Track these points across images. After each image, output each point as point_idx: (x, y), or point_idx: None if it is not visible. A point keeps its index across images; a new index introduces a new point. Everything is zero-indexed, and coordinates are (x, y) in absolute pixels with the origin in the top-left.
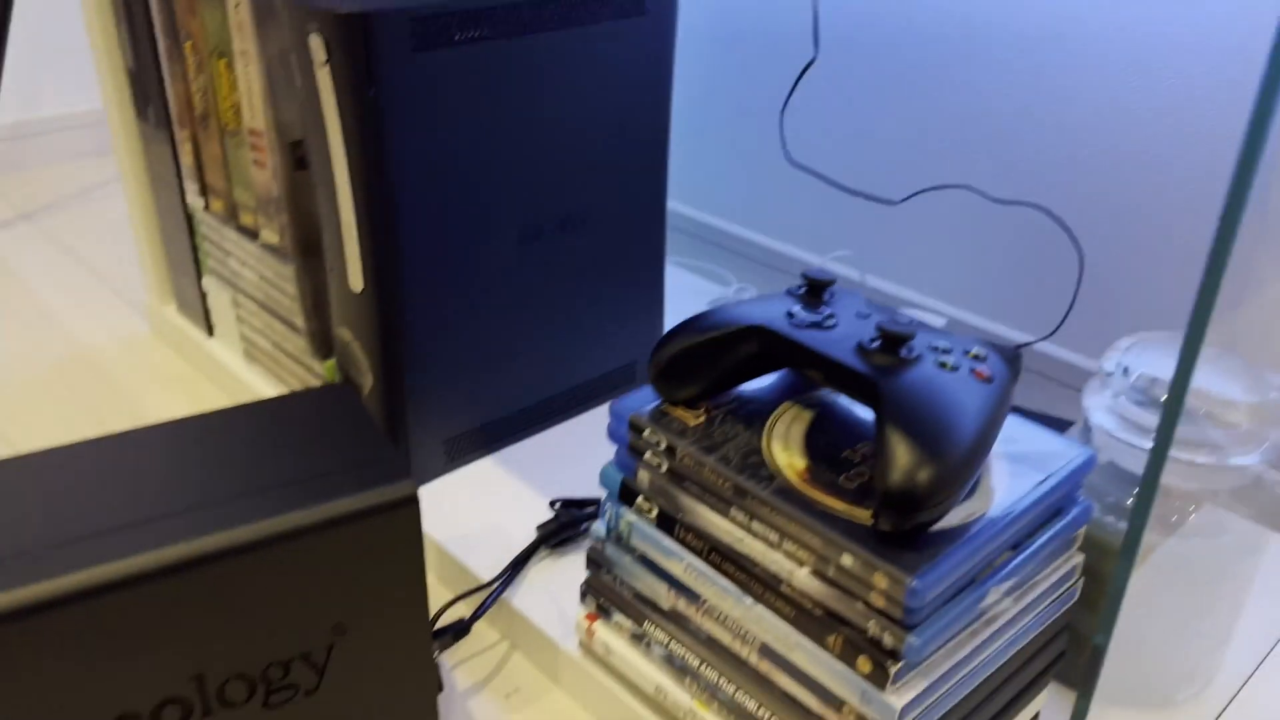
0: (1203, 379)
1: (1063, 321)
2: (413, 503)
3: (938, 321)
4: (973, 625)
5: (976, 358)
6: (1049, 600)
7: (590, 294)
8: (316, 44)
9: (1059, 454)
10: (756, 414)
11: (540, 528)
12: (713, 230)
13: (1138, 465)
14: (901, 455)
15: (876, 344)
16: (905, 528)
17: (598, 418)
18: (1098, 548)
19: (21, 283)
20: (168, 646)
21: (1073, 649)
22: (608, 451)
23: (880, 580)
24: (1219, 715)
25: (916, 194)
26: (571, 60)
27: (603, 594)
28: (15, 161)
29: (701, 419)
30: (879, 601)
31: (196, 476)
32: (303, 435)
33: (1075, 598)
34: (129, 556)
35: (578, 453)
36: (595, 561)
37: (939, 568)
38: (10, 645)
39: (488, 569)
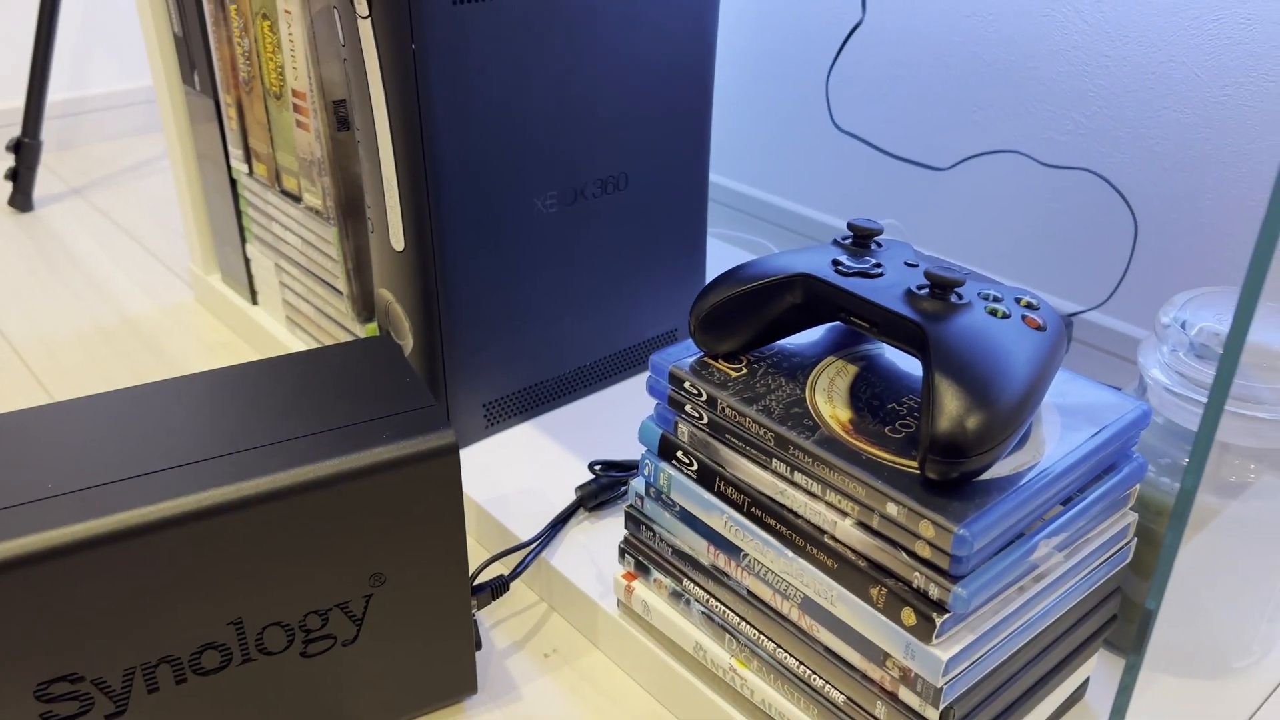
0: (1262, 333)
1: (1116, 289)
2: (452, 452)
3: None
4: (1021, 580)
5: (1029, 306)
6: (1100, 559)
7: (631, 259)
8: None
9: (1113, 408)
10: (799, 367)
11: (579, 489)
12: (755, 202)
13: (1196, 423)
14: (949, 401)
15: (925, 290)
16: (952, 476)
17: (637, 385)
18: (1152, 509)
19: (72, 254)
20: (208, 590)
21: (1125, 615)
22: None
23: (926, 529)
24: (1278, 685)
25: (965, 160)
26: (612, 16)
27: (641, 552)
28: (67, 138)
29: (743, 371)
30: (924, 551)
31: (238, 422)
32: (344, 385)
33: (1128, 559)
34: (170, 499)
35: (617, 419)
36: (634, 519)
37: (987, 517)
38: (54, 584)
39: (526, 530)
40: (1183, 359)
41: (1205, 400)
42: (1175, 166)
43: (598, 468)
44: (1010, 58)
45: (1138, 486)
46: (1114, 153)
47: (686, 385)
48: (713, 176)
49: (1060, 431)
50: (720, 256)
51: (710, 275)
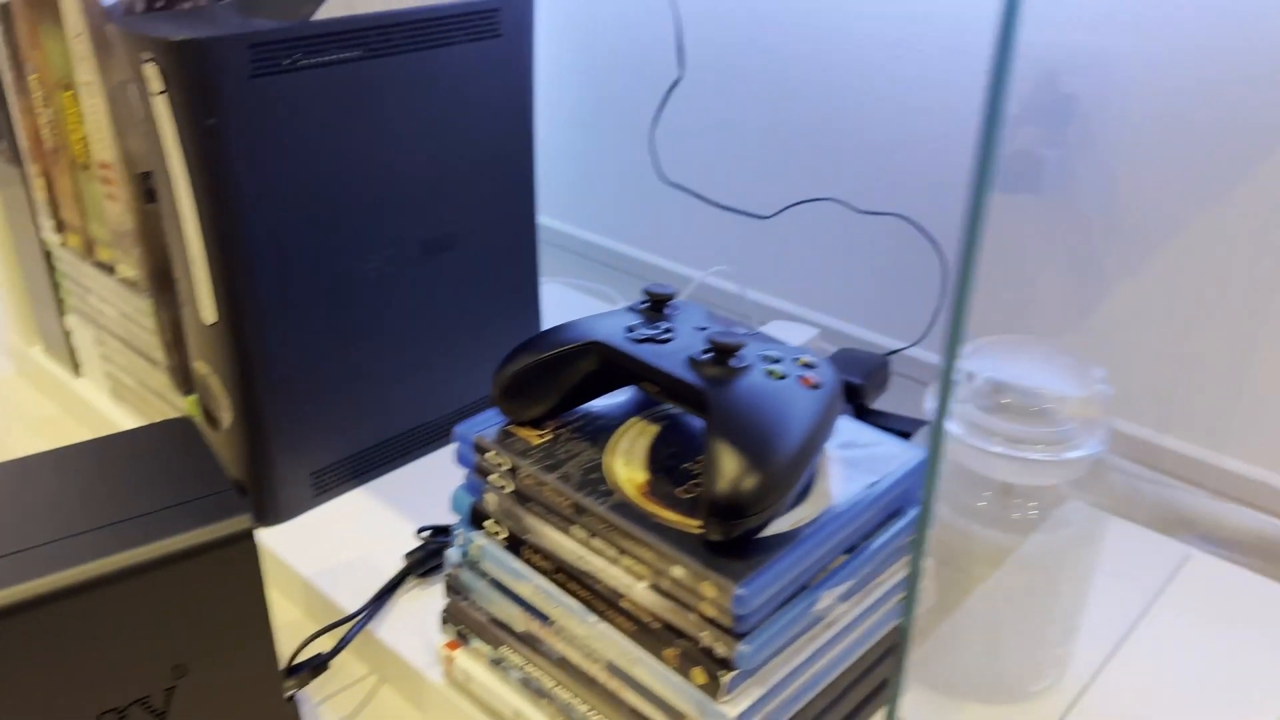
0: (1035, 377)
1: (930, 328)
2: (247, 538)
3: (809, 332)
4: (808, 631)
5: (806, 365)
6: (892, 603)
7: (461, 318)
8: (152, 73)
9: (894, 456)
10: (603, 430)
11: (408, 556)
12: (598, 248)
13: (985, 468)
14: (725, 463)
15: (707, 355)
16: (732, 536)
17: None
18: (953, 549)
19: None
20: None
21: (949, 653)
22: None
23: (709, 589)
24: (1071, 706)
25: (786, 208)
26: (424, 83)
27: (461, 620)
28: None
29: (548, 437)
30: (709, 611)
31: (21, 519)
32: (137, 472)
33: (926, 604)
34: None
35: (451, 480)
36: (453, 588)
37: (766, 574)
38: None
39: (357, 601)
40: (970, 409)
41: (994, 448)
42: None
43: (426, 533)
44: (826, 109)
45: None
46: (924, 199)
47: (490, 455)
48: (559, 223)
49: (843, 483)
50: (567, 302)
51: (551, 324)
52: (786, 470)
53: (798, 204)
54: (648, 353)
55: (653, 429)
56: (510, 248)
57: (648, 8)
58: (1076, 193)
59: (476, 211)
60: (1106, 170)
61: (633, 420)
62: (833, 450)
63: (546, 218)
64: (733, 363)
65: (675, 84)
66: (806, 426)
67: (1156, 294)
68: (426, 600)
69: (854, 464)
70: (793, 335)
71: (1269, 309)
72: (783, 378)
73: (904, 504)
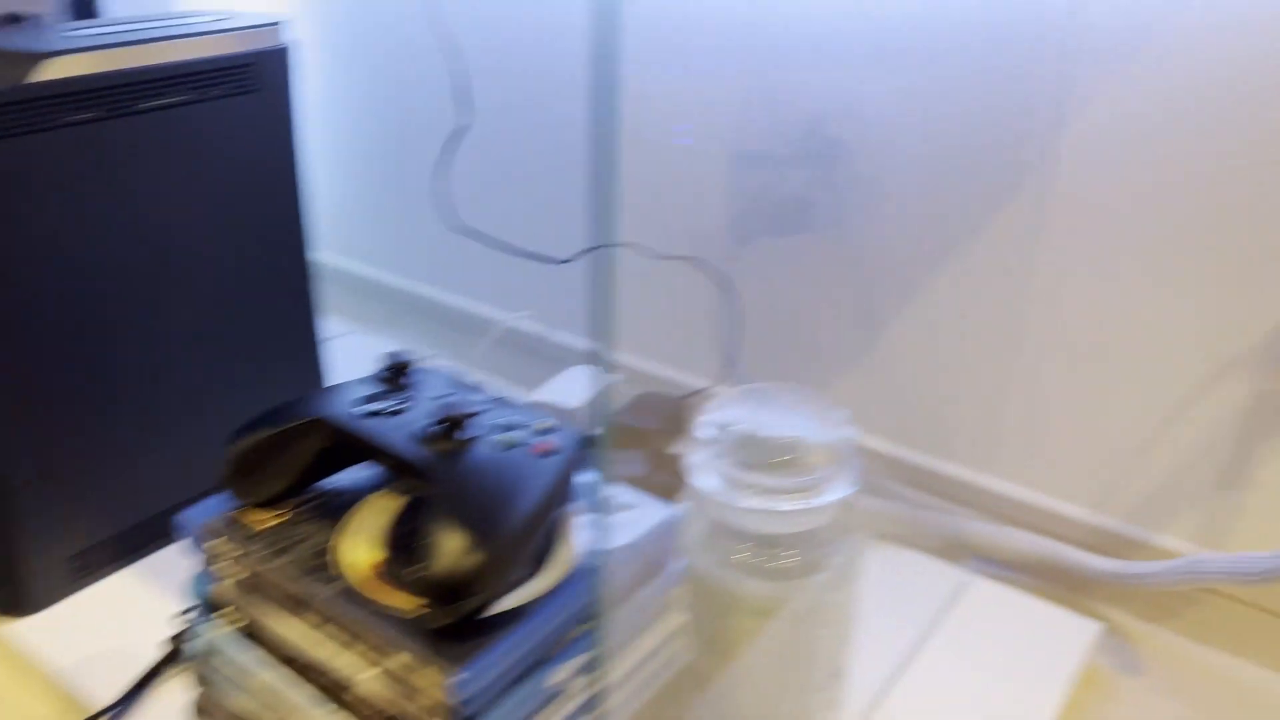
0: (783, 426)
1: (729, 368)
2: None
3: (613, 377)
4: (544, 708)
5: (544, 431)
6: (646, 670)
7: (230, 385)
8: None
9: (644, 519)
10: (345, 506)
11: (171, 640)
12: (407, 295)
13: (741, 522)
14: (444, 543)
15: (436, 428)
16: (455, 618)
17: None
18: (719, 602)
19: None
20: None
21: (720, 703)
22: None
23: (432, 676)
24: None
25: (582, 253)
26: (175, 141)
27: (211, 711)
28: None
29: (284, 518)
30: (435, 697)
31: None
32: None
33: (682, 660)
34: None
35: None
36: (200, 676)
37: (489, 656)
38: None
39: (113, 694)
40: (725, 463)
41: (744, 503)
42: (770, 254)
43: (190, 614)
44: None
45: (676, 590)
46: (714, 242)
47: (218, 541)
48: (366, 269)
49: (587, 550)
50: (364, 356)
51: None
52: (510, 546)
53: (593, 249)
54: (374, 428)
55: (396, 504)
56: (281, 308)
57: (438, 56)
58: (847, 232)
59: (242, 272)
60: (874, 210)
61: (376, 495)
62: (580, 514)
63: (356, 265)
64: (461, 434)
65: (462, 131)
66: (534, 497)
67: (926, 326)
68: (187, 689)
69: (602, 528)
70: (590, 380)
71: (1020, 336)
72: (514, 446)
73: (657, 564)
